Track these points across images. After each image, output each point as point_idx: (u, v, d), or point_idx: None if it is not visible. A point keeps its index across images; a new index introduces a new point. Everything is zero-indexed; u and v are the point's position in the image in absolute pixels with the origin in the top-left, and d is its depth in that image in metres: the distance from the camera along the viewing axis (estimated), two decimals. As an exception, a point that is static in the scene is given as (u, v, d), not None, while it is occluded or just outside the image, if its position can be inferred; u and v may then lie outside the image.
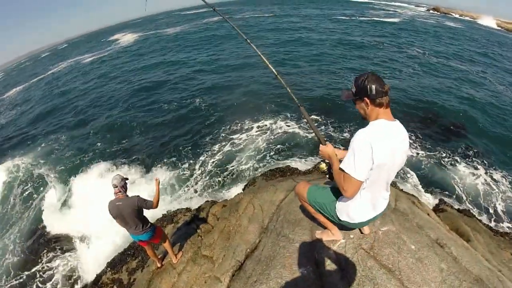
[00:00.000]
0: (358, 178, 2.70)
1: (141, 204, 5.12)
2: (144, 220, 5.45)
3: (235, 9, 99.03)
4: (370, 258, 3.72)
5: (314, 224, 4.67)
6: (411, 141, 13.30)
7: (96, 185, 13.70)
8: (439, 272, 3.59)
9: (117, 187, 5.02)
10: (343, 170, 2.76)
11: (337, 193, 3.34)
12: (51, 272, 10.35)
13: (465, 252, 4.30)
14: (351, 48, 31.63)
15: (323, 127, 14.27)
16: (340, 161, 2.87)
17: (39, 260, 10.83)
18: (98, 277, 8.80)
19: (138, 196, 5.15)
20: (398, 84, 20.04)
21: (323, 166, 3.33)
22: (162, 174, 13.86)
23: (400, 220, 4.51)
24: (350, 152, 2.70)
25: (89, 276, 9.63)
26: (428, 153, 12.67)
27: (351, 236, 4.04)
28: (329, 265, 3.81)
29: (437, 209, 8.83)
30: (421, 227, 4.56)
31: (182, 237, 7.04)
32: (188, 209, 9.08)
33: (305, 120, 3.23)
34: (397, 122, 2.80)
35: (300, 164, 11.35)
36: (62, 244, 11.27)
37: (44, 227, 12.30)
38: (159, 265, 6.39)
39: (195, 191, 12.34)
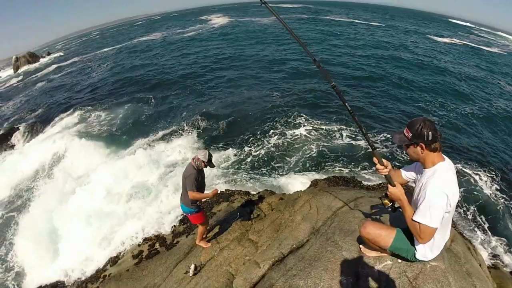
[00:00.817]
0: (435, 227, 2.84)
1: (185, 180, 5.60)
2: None
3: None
4: None
5: None
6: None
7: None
8: None
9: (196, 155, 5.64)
10: (419, 222, 2.88)
11: (408, 234, 3.41)
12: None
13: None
14: (433, 72, 28.29)
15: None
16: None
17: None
18: (144, 230, 9.39)
19: (192, 174, 5.54)
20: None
21: (387, 202, 3.34)
22: (226, 152, 14.55)
23: (451, 261, 4.28)
24: (426, 205, 2.81)
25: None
26: (499, 194, 11.66)
27: (399, 261, 3.91)
28: (370, 282, 3.75)
29: (490, 265, 8.15)
30: (469, 275, 4.29)
31: (233, 216, 7.30)
32: (246, 192, 9.32)
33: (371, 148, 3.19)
34: (447, 159, 2.98)
35: (360, 177, 11.08)
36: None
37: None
38: (204, 245, 6.64)
39: (253, 177, 12.63)
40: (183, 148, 15.46)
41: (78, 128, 20.25)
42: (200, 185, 5.71)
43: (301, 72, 23.52)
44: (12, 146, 21.60)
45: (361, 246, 4.31)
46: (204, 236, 6.69)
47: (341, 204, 6.30)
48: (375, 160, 3.19)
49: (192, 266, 5.85)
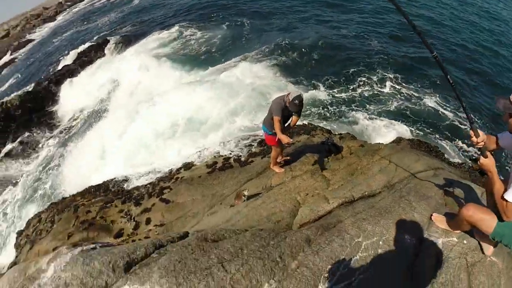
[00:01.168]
0: None
1: (273, 104, 5.71)
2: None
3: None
4: (465, 272, 3.63)
5: (439, 208, 4.60)
6: None
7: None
8: None
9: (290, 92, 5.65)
10: (506, 200, 2.77)
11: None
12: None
13: None
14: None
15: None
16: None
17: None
18: (222, 145, 9.93)
19: (279, 103, 5.60)
20: None
21: (476, 167, 3.16)
22: (310, 87, 14.44)
23: (507, 265, 4.17)
24: None
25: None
26: None
27: (465, 242, 3.93)
28: (430, 251, 3.81)
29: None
30: None
31: (310, 150, 7.41)
32: (328, 131, 9.38)
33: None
34: None
35: (443, 149, 10.59)
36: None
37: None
38: (277, 170, 6.80)
39: (335, 117, 12.61)
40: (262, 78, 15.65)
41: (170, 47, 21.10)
42: (284, 118, 5.79)
43: (395, 35, 21.41)
44: (104, 55, 23.33)
45: (433, 214, 4.31)
46: (278, 161, 6.90)
47: (421, 168, 6.19)
48: (471, 133, 2.98)
49: (246, 193, 6.04)
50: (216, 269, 3.03)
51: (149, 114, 13.83)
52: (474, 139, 2.98)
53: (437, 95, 14.10)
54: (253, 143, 9.65)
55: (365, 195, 5.31)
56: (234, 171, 7.67)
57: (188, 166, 8.94)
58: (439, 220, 4.17)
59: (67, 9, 62.99)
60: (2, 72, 37.24)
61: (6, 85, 30.56)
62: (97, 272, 2.99)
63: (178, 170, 8.89)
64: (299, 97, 5.46)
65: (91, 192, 9.11)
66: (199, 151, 9.98)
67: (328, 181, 6.12)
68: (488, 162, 2.92)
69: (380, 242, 3.80)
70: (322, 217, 4.84)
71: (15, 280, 3.14)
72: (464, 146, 11.33)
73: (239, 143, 9.85)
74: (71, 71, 22.58)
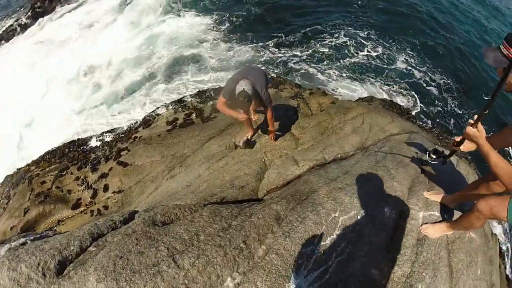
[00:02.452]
0: None
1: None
2: None
3: None
4: (445, 250, 3.42)
5: (417, 176, 4.30)
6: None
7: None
8: None
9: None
10: None
11: None
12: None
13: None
14: None
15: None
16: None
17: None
18: (183, 98, 9.12)
19: (229, 92, 4.58)
20: None
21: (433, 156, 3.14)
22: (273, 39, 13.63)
23: (483, 242, 4.03)
24: None
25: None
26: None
27: (445, 216, 3.70)
28: (410, 225, 3.49)
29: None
30: (491, 263, 4.14)
31: (278, 106, 6.81)
32: (297, 85, 8.73)
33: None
34: None
35: (416, 114, 10.38)
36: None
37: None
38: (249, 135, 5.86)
39: (303, 72, 12.05)
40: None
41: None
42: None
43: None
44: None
45: (425, 192, 3.94)
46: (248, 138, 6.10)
47: (395, 131, 5.89)
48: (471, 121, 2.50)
49: (245, 138, 5.42)
50: (165, 265, 2.44)
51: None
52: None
53: (411, 57, 13.69)
54: (217, 95, 8.91)
55: (337, 158, 4.90)
56: (196, 128, 7.04)
57: (147, 123, 8.19)
58: (435, 196, 3.85)
59: None
60: None
61: None
62: (25, 279, 2.38)
63: (137, 128, 8.12)
64: (242, 93, 4.27)
65: (45, 159, 8.19)
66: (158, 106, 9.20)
67: (297, 140, 5.64)
68: (476, 132, 2.46)
69: (358, 217, 3.39)
70: (290, 182, 4.42)
71: None
72: (436, 110, 11.17)
73: (202, 95, 9.09)
74: None
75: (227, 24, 14.94)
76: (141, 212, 3.19)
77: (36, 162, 8.20)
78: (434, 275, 3.09)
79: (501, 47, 2.18)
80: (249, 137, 5.55)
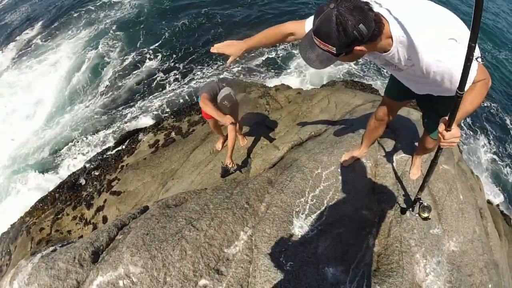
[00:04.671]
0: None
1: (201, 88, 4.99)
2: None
3: None
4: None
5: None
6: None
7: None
8: (472, 231, 3.70)
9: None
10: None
11: None
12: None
13: (495, 237, 4.36)
14: None
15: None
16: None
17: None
18: (160, 121, 9.54)
19: (210, 90, 4.75)
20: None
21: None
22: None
23: (459, 172, 4.52)
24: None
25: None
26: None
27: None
28: (385, 169, 3.97)
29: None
30: (473, 190, 4.62)
31: (249, 107, 7.35)
32: (263, 85, 9.31)
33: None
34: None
35: (377, 87, 11.02)
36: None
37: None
38: (219, 147, 6.20)
39: (267, 73, 12.55)
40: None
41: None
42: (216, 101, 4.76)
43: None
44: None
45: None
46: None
47: (360, 102, 6.38)
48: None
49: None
50: (187, 230, 2.88)
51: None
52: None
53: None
54: (191, 112, 9.33)
55: (312, 135, 5.35)
56: (178, 144, 7.42)
57: (131, 151, 8.52)
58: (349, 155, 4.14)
59: None
60: None
61: None
62: (64, 272, 2.73)
63: (121, 157, 8.42)
64: (228, 97, 4.59)
65: (38, 207, 8.36)
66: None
67: (273, 131, 6.11)
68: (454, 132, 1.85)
69: (339, 170, 3.86)
70: (276, 164, 4.82)
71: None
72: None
73: (178, 115, 9.50)
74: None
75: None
76: (153, 203, 3.60)
77: (29, 213, 8.36)
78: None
79: (319, 43, 1.70)
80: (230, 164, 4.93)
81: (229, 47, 2.33)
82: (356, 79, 10.71)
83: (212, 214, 3.04)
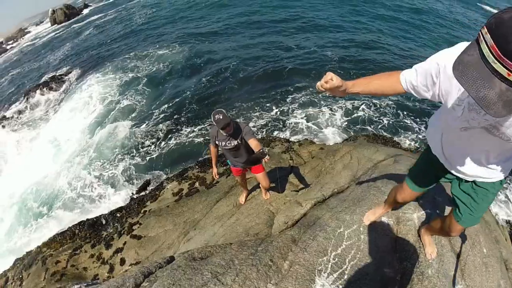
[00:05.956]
0: None
1: None
2: None
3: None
4: (445, 238, 3.80)
5: None
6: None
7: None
8: (496, 286, 3.63)
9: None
10: None
11: None
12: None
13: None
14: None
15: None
16: None
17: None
18: (184, 171, 9.81)
19: (213, 135, 4.76)
20: None
21: None
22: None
23: (482, 225, 4.49)
24: None
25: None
26: None
27: (437, 211, 4.15)
28: (407, 226, 3.98)
29: None
30: (497, 242, 4.56)
31: (273, 161, 7.49)
32: (286, 140, 9.56)
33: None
34: None
35: (399, 140, 11.02)
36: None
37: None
38: (242, 201, 6.34)
39: (291, 128, 12.68)
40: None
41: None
42: (224, 146, 4.66)
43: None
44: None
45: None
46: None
47: (381, 158, 6.47)
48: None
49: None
50: (212, 284, 2.98)
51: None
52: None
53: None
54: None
55: (335, 192, 5.45)
56: (202, 194, 7.58)
57: (154, 197, 8.74)
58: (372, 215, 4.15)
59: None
60: None
61: None
62: None
63: (144, 203, 8.65)
64: (220, 120, 4.17)
65: (57, 240, 8.56)
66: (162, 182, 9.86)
67: (296, 187, 6.23)
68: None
69: (361, 229, 3.92)
70: (298, 220, 4.90)
71: None
72: (415, 136, 11.86)
73: (204, 165, 9.75)
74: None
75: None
76: (179, 254, 3.74)
77: (46, 244, 8.53)
78: (440, 260, 3.48)
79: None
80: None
81: (333, 91, 1.82)
82: (377, 132, 10.80)
83: (237, 269, 3.14)
